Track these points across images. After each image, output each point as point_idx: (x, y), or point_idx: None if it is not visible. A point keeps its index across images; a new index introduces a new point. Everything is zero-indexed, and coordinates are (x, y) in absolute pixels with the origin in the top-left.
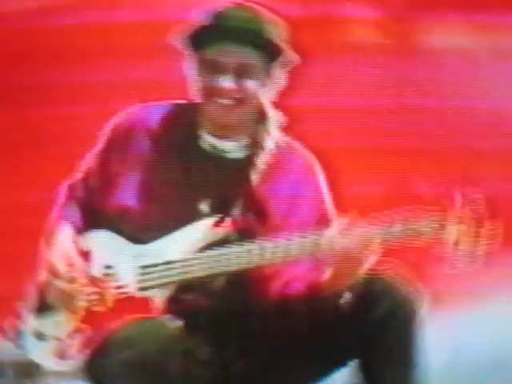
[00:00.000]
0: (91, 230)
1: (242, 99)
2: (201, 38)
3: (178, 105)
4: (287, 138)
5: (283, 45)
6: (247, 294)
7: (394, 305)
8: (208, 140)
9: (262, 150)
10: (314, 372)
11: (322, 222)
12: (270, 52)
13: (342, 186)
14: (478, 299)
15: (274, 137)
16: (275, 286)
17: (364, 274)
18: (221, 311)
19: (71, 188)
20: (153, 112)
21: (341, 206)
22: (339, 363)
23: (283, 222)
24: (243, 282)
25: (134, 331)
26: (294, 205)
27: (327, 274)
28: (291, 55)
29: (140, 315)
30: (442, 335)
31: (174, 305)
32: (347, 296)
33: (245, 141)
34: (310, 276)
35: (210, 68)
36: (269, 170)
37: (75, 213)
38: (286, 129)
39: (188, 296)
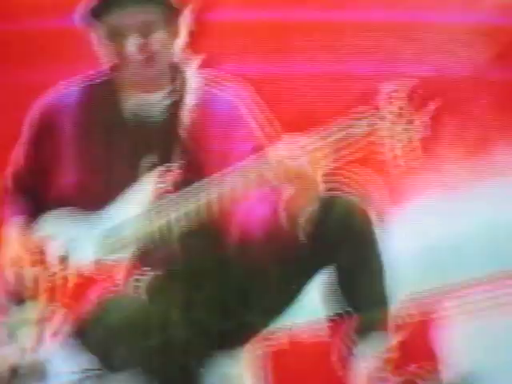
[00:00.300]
0: (44, 215)
1: (151, 56)
2: (101, 8)
3: (95, 78)
4: (206, 81)
5: None
6: (208, 243)
7: (350, 216)
8: (131, 102)
9: (184, 99)
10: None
11: (260, 150)
12: (169, 5)
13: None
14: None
15: (193, 84)
16: (233, 229)
17: (317, 192)
18: (186, 265)
19: (14, 179)
20: (74, 93)
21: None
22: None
23: (221, 161)
24: (201, 232)
25: (107, 308)
26: (228, 142)
27: (284, 202)
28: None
29: (110, 289)
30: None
31: (142, 268)
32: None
33: (165, 94)
34: (267, 209)
35: (116, 33)
36: (196, 118)
37: (23, 203)
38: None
39: (152, 257)
